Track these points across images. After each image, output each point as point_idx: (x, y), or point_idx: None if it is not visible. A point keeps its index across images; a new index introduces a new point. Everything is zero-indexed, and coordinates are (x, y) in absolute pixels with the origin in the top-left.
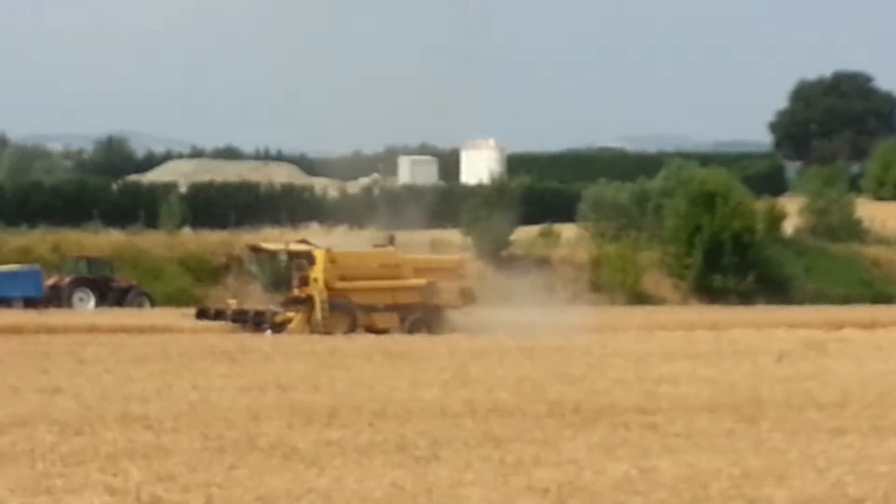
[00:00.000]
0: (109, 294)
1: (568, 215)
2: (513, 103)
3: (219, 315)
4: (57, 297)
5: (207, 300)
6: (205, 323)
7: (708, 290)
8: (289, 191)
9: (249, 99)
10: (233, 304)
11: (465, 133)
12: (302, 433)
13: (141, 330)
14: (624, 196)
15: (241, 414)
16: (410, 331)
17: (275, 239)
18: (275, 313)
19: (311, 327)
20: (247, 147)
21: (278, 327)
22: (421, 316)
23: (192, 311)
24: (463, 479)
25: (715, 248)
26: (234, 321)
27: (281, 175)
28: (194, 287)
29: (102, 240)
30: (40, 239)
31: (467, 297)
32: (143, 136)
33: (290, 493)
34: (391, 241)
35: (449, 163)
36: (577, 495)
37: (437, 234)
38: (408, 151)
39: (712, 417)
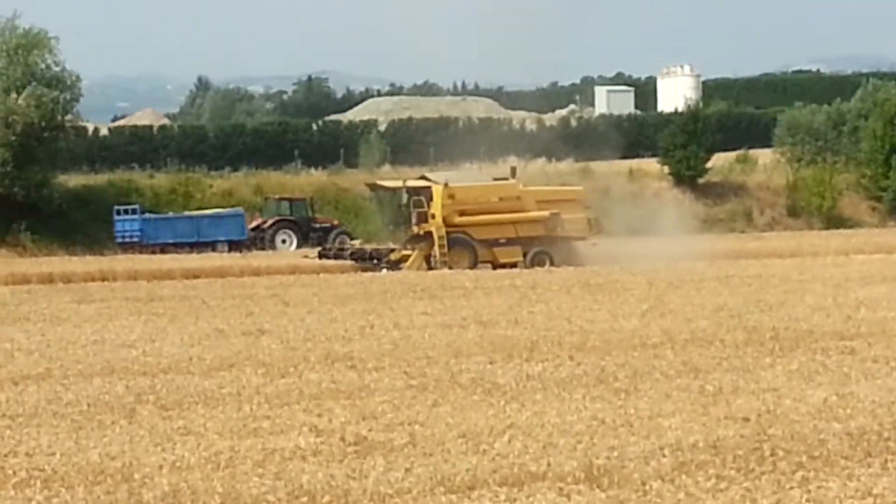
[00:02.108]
0: (311, 234)
1: (764, 140)
2: (708, 28)
3: (339, 255)
4: (260, 239)
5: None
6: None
7: None
8: (487, 125)
9: (447, 35)
10: (355, 244)
11: (661, 60)
12: (503, 368)
13: (343, 270)
14: (820, 119)
15: (442, 351)
16: (533, 264)
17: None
18: (391, 251)
19: (431, 264)
20: (444, 82)
21: (394, 265)
22: (544, 248)
23: (314, 252)
24: (663, 409)
25: None
26: (353, 260)
27: (479, 109)
28: None
29: (304, 180)
30: (243, 181)
31: (594, 228)
32: (343, 75)
33: (493, 429)
34: (513, 173)
35: (645, 91)
36: (776, 423)
37: (634, 163)
38: (603, 82)
39: None
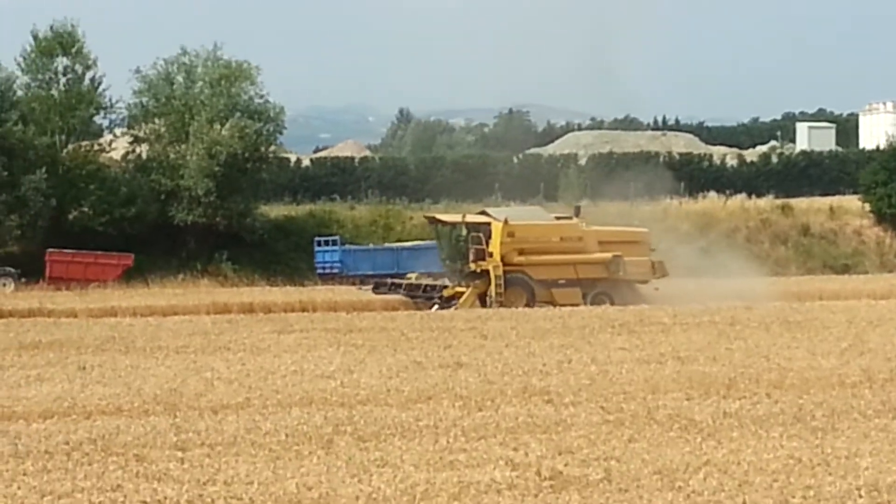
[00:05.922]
0: None
1: None
2: None
3: (394, 288)
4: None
5: None
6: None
7: None
8: (687, 160)
9: (648, 70)
10: (412, 277)
11: (863, 97)
12: (700, 405)
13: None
14: None
15: (639, 386)
16: (593, 304)
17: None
18: (444, 287)
19: (486, 303)
20: (645, 117)
21: (446, 302)
22: (605, 290)
23: (369, 286)
24: (860, 449)
25: None
26: (407, 295)
27: (679, 144)
28: None
29: None
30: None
31: (658, 271)
32: (544, 108)
33: (689, 466)
34: (576, 212)
35: (847, 128)
36: None
37: (835, 200)
38: (805, 118)
39: None
